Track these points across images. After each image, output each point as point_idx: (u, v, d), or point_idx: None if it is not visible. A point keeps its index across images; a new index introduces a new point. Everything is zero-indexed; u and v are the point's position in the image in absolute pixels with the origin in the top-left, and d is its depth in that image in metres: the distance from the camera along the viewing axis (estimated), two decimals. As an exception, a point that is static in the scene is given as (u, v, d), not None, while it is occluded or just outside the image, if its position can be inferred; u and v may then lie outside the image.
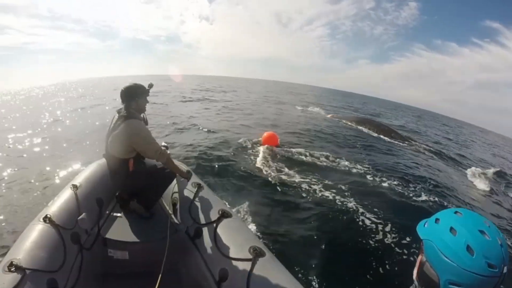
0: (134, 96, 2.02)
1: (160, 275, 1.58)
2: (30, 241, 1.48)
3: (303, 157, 6.07)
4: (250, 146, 6.41)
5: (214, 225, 1.81)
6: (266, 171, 4.99)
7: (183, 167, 2.55)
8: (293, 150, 6.40)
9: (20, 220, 3.13)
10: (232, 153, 5.82)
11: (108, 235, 1.93)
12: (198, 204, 2.11)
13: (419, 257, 0.75)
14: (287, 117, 12.17)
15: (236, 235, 1.75)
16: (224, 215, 1.88)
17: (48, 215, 1.64)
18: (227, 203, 2.16)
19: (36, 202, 3.57)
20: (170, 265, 1.67)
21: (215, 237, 1.73)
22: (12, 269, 1.26)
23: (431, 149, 10.48)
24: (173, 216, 2.18)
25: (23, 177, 4.45)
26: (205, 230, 1.87)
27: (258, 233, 3.11)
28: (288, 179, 4.73)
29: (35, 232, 1.55)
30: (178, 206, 2.23)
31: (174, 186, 2.34)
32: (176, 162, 2.37)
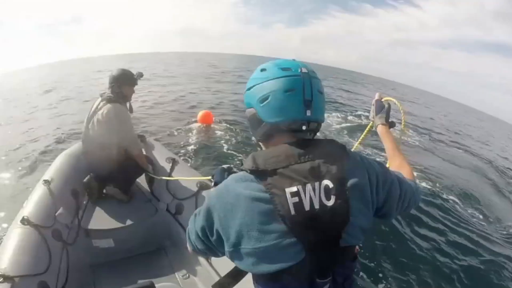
0: (122, 82, 2.00)
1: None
2: (12, 246, 1.40)
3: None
4: (187, 127, 6.32)
5: (195, 198, 1.80)
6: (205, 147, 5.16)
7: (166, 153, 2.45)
8: (227, 125, 6.57)
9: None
10: (168, 135, 5.73)
11: (89, 226, 1.88)
12: (175, 179, 2.07)
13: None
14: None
15: None
16: (203, 186, 1.85)
17: (25, 217, 1.54)
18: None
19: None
20: (156, 245, 1.69)
21: None
22: (0, 280, 1.19)
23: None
24: (151, 195, 2.14)
25: None
26: (186, 205, 1.85)
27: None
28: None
29: (16, 237, 1.46)
30: (155, 184, 2.17)
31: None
32: (157, 145, 2.37)
